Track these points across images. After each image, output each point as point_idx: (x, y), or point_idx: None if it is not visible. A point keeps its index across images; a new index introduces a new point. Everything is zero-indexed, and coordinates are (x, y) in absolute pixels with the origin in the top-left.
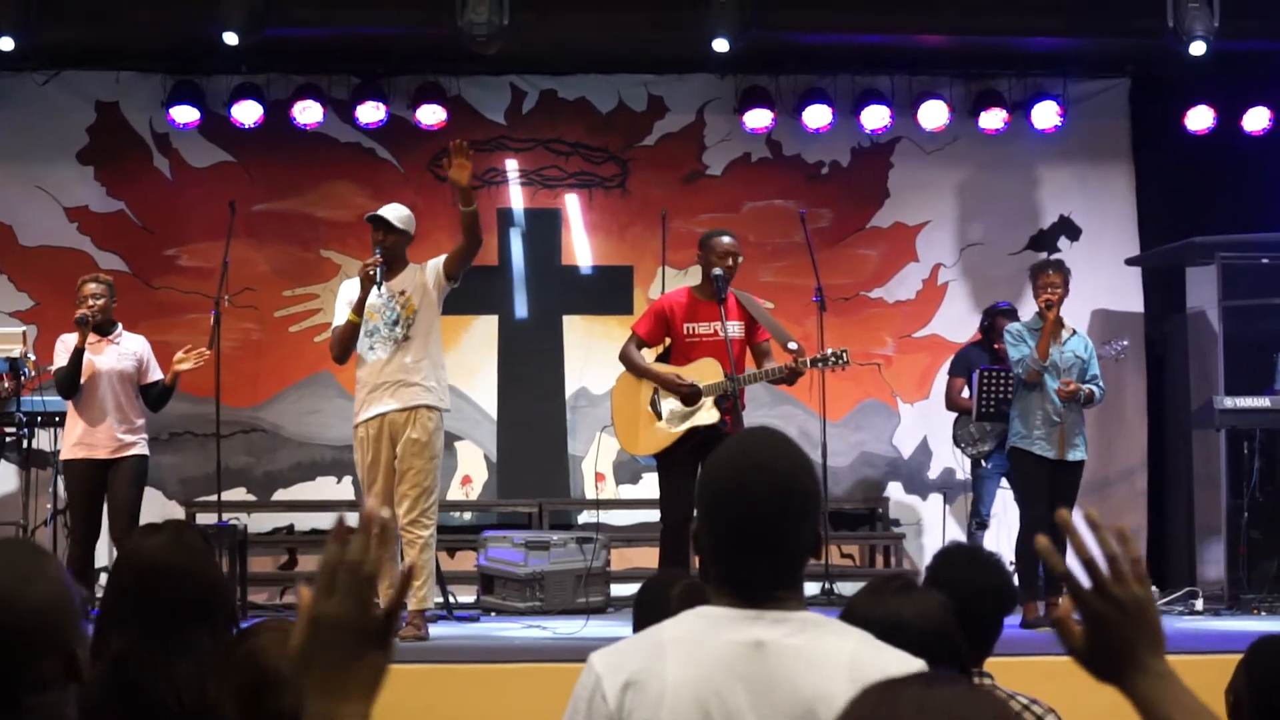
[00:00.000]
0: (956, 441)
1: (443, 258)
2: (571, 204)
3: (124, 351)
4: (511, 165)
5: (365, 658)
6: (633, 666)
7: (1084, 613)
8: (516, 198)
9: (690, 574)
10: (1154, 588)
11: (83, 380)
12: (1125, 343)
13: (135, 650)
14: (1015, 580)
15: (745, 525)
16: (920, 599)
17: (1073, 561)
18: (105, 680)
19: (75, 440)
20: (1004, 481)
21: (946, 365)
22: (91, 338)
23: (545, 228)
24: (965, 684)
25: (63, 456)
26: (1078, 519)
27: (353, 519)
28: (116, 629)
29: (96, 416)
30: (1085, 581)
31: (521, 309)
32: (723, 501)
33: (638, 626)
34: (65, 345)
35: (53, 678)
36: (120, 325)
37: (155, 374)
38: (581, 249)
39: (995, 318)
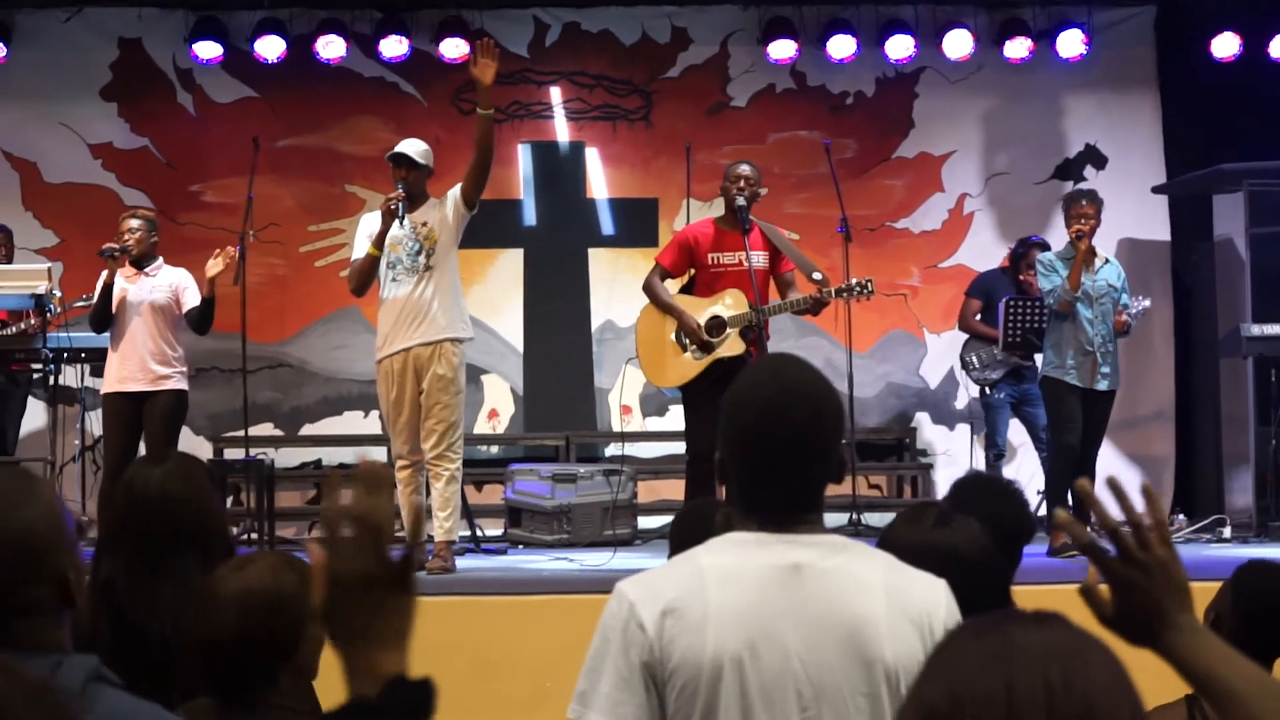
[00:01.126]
0: (964, 365)
1: (458, 187)
2: (596, 136)
3: (158, 284)
4: (548, 94)
5: (391, 605)
6: (670, 594)
7: (1111, 580)
8: (540, 131)
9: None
10: (1182, 515)
11: (115, 312)
12: (1146, 303)
13: (122, 575)
14: (1044, 508)
15: (775, 450)
16: (964, 528)
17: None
18: (92, 603)
19: (110, 375)
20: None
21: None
22: (126, 270)
23: (569, 161)
24: (1076, 628)
25: (101, 390)
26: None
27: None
28: (108, 554)
29: (128, 349)
30: (1110, 549)
31: (546, 242)
32: (752, 427)
33: (676, 551)
34: (101, 280)
35: (44, 602)
36: (160, 259)
37: (193, 300)
38: (606, 182)
39: (1030, 249)
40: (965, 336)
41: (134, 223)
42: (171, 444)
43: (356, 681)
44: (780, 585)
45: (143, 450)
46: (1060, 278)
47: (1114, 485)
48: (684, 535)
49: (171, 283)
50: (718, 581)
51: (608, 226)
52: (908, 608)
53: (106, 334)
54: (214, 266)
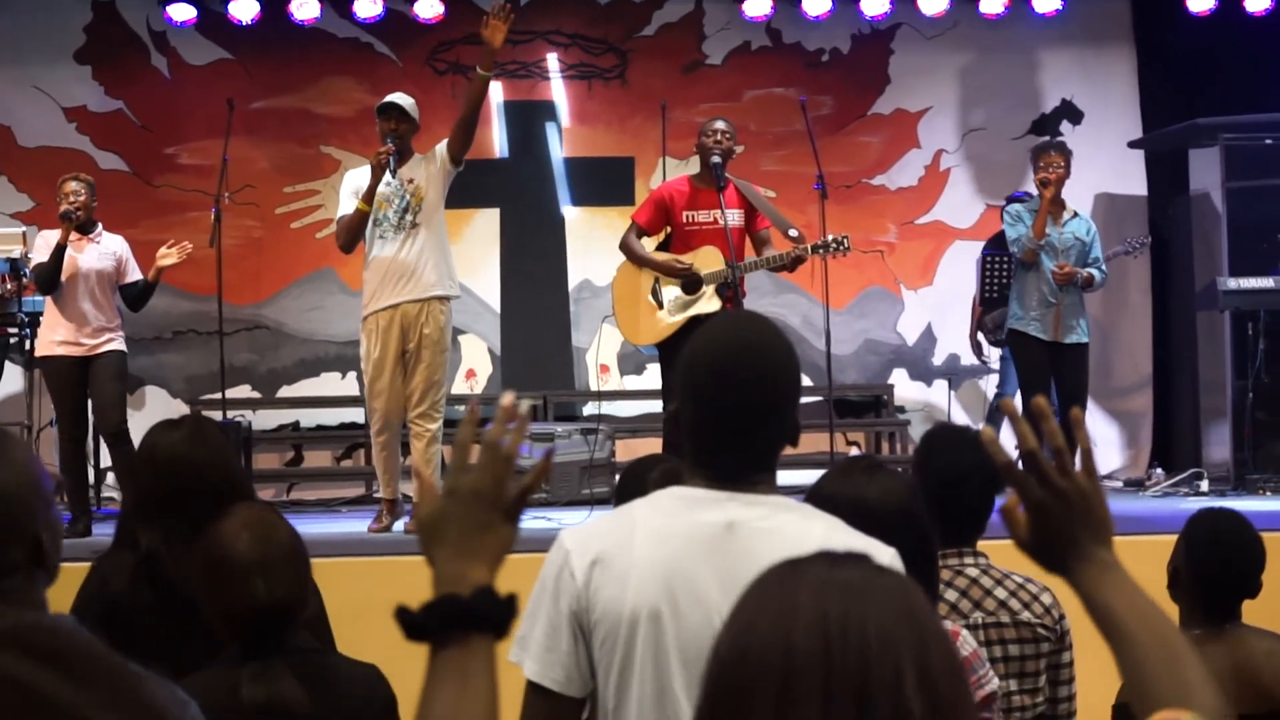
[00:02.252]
0: (981, 329)
1: (444, 142)
2: (571, 95)
3: (104, 251)
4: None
5: (496, 529)
6: (601, 544)
7: (1027, 503)
8: (516, 90)
9: (675, 459)
10: (1159, 470)
11: (63, 278)
12: (1147, 240)
13: (162, 545)
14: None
15: (729, 407)
16: (886, 480)
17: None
18: (139, 576)
19: (53, 338)
20: None
21: (950, 251)
22: (73, 236)
23: (545, 120)
24: (873, 566)
25: (39, 353)
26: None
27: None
28: (144, 525)
29: (75, 314)
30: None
31: (522, 202)
32: (708, 382)
33: (618, 506)
34: (46, 241)
35: (17, 563)
36: (100, 225)
37: (134, 274)
38: (582, 141)
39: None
40: (945, 294)
41: (76, 185)
42: (123, 403)
43: (446, 586)
44: (708, 542)
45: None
46: (1025, 226)
47: (1038, 408)
48: (623, 491)
49: (115, 250)
50: (647, 535)
51: (584, 185)
52: None
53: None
54: (167, 257)
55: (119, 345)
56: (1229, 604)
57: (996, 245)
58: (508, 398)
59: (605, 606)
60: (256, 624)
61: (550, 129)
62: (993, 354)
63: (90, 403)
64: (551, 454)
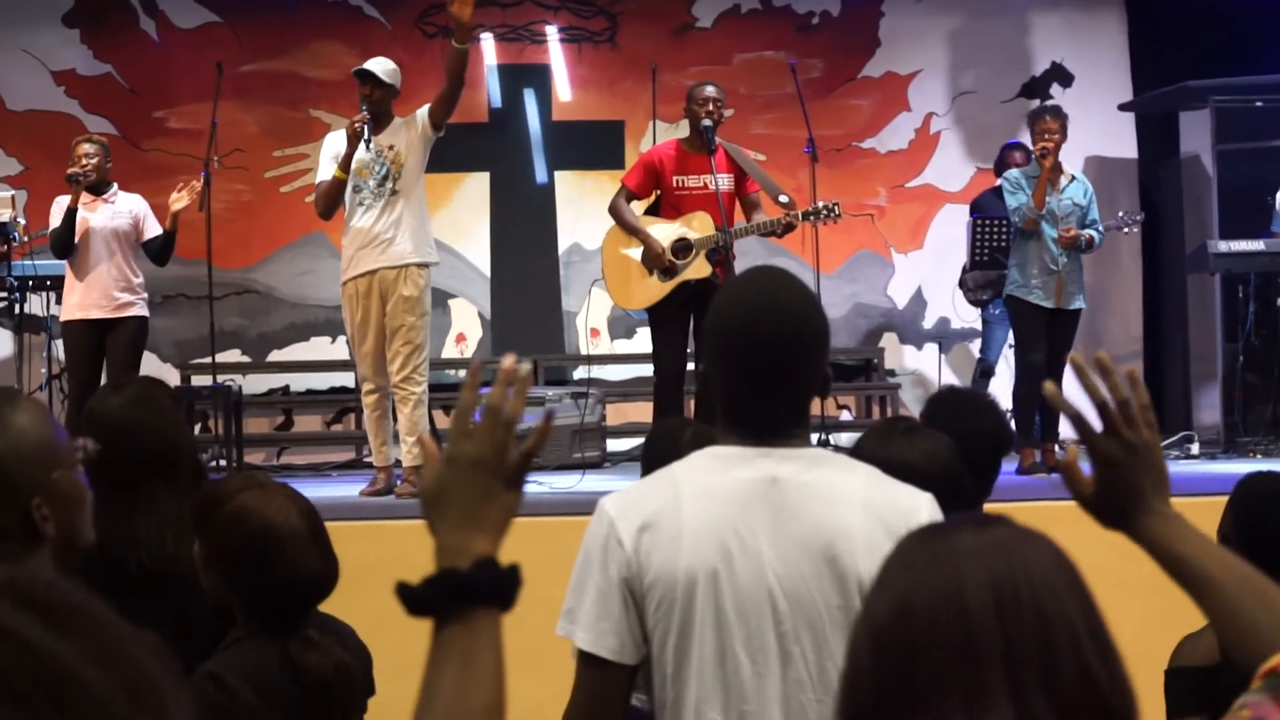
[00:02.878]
0: (960, 285)
1: (426, 108)
2: (561, 58)
3: (119, 210)
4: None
5: (498, 497)
6: (648, 509)
7: (1095, 456)
8: (505, 53)
9: (696, 421)
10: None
11: (76, 240)
12: (1140, 216)
13: (96, 507)
14: (1012, 426)
15: (761, 363)
16: (926, 441)
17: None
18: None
19: (72, 302)
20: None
21: (940, 214)
22: (85, 197)
23: (535, 83)
24: (1017, 525)
25: (61, 318)
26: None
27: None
28: None
29: (91, 277)
30: (1097, 424)
31: (512, 166)
32: (736, 340)
33: (648, 471)
34: (60, 206)
35: (9, 531)
36: (116, 185)
37: (154, 230)
38: (572, 104)
39: (1005, 154)
40: (935, 257)
41: (89, 147)
42: (135, 370)
43: (447, 558)
44: (756, 499)
45: (106, 378)
46: (1025, 195)
47: (1103, 362)
48: (653, 455)
49: (131, 209)
50: (693, 495)
51: (574, 149)
52: (886, 520)
53: (65, 260)
54: (178, 200)
55: (140, 310)
56: None
57: (979, 208)
58: (508, 360)
59: (659, 570)
60: (304, 596)
61: (540, 93)
62: (960, 317)
63: (106, 367)
64: (552, 416)
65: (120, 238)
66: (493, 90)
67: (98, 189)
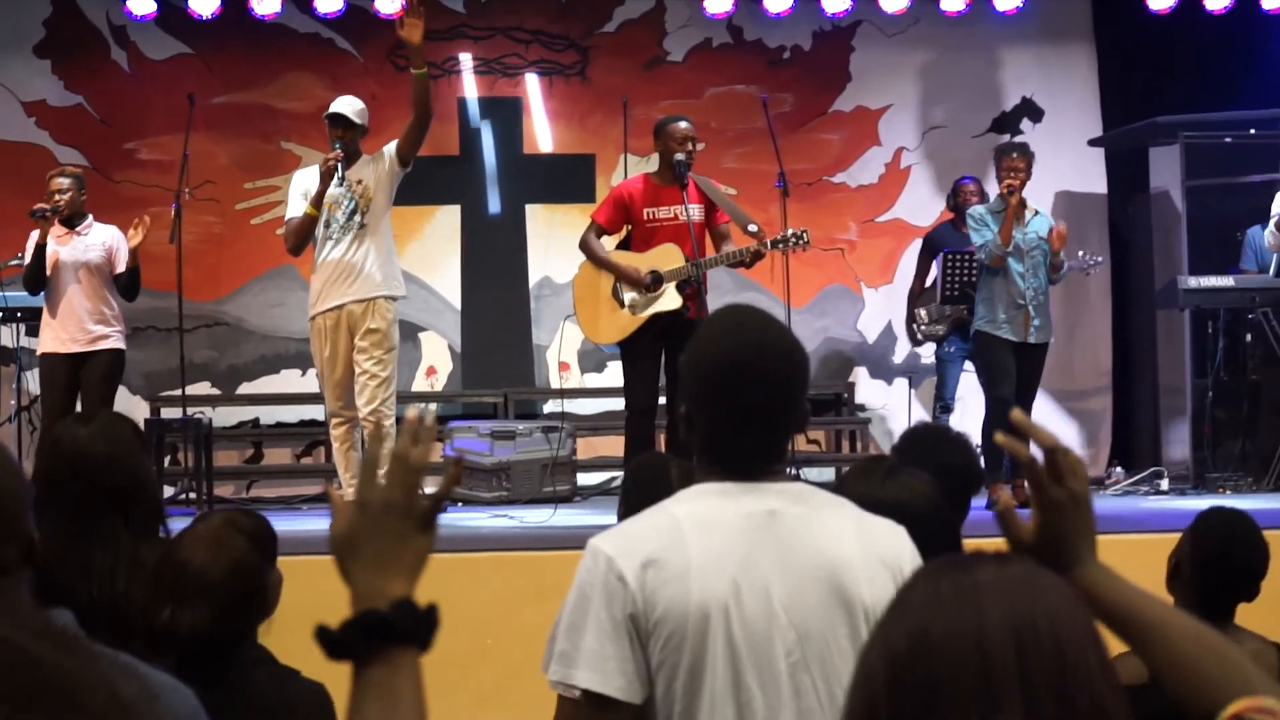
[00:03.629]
0: (911, 320)
1: (394, 144)
2: (532, 92)
3: (90, 243)
4: (466, 59)
5: (411, 539)
6: (650, 546)
7: (1042, 502)
8: (476, 87)
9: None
10: (1119, 468)
11: (49, 274)
12: (1100, 259)
13: (50, 536)
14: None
15: (743, 401)
16: (912, 481)
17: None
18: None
19: (47, 335)
20: (967, 365)
21: (910, 249)
22: (57, 230)
23: (506, 116)
24: (1031, 562)
25: (38, 351)
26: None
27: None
28: (38, 515)
29: (63, 310)
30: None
31: (483, 199)
32: (720, 379)
33: (635, 508)
34: (32, 241)
35: (12, 562)
36: (90, 217)
37: (125, 264)
38: (543, 137)
39: (959, 188)
40: (906, 292)
41: (63, 181)
42: (108, 403)
43: (364, 601)
44: (758, 531)
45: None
46: (991, 232)
47: (1018, 422)
48: (639, 490)
49: (105, 241)
50: (696, 530)
51: (545, 182)
52: (879, 551)
53: (40, 294)
54: (133, 236)
55: (115, 343)
56: (1227, 603)
57: (934, 242)
58: (412, 411)
59: (668, 606)
60: (171, 646)
61: (511, 125)
62: (925, 348)
63: (79, 400)
64: (461, 461)
65: (93, 270)
66: (464, 123)
67: (71, 221)
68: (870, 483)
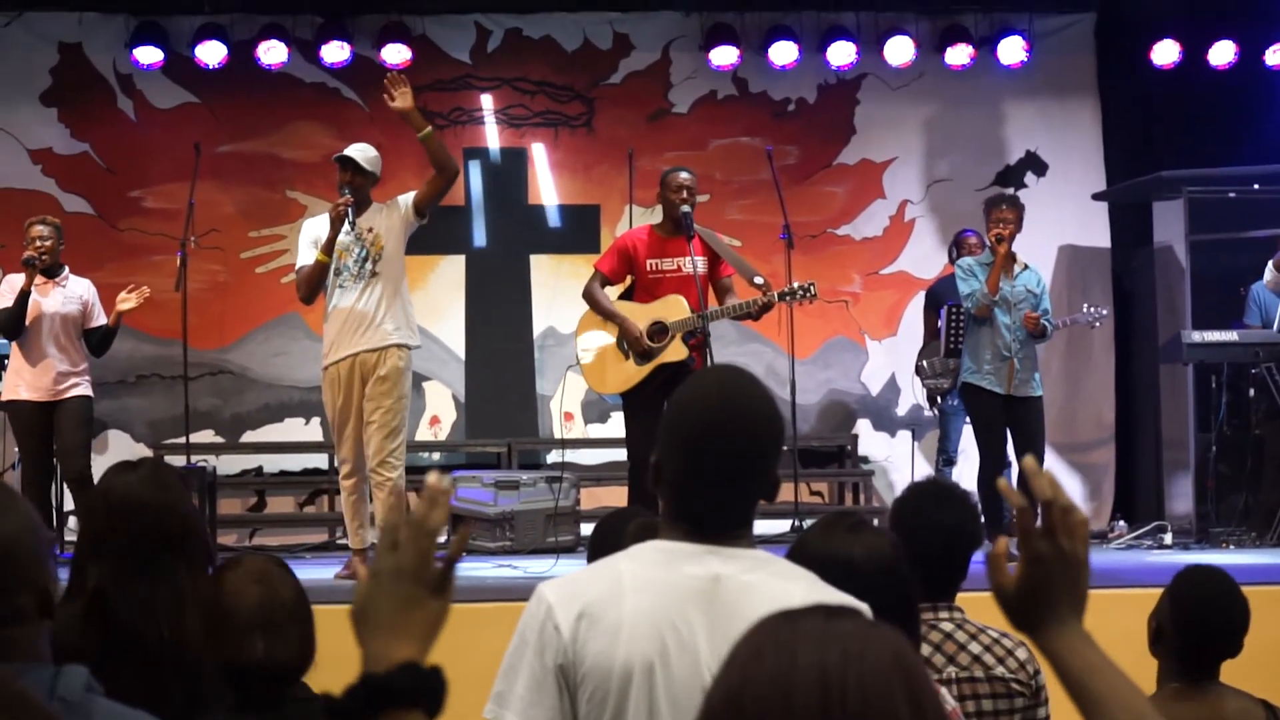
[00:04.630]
0: (917, 372)
1: (412, 194)
2: (537, 143)
3: (69, 295)
4: (487, 101)
5: (424, 604)
6: (587, 597)
7: (1028, 551)
8: (482, 137)
9: (648, 512)
10: (1122, 522)
11: (27, 322)
12: (1104, 311)
13: (114, 582)
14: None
15: (711, 462)
16: (870, 538)
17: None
18: (84, 612)
19: (18, 381)
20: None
21: (914, 301)
22: (38, 280)
23: (511, 167)
24: (865, 619)
25: (4, 397)
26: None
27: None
28: (94, 563)
29: (39, 359)
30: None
31: (488, 248)
32: (691, 436)
33: (592, 560)
34: (11, 286)
35: (27, 612)
36: (67, 268)
37: (100, 318)
38: (548, 188)
39: (960, 240)
40: (909, 345)
41: (43, 229)
42: (87, 448)
43: (370, 666)
44: (696, 595)
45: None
46: (979, 282)
47: (1027, 468)
48: (598, 544)
49: (81, 294)
50: (635, 588)
51: (550, 232)
52: None
53: (11, 340)
54: (126, 301)
55: (85, 390)
56: (1210, 662)
57: (937, 295)
58: (433, 477)
59: (595, 660)
60: (256, 681)
61: (516, 175)
62: (925, 396)
63: (56, 448)
64: (469, 525)
65: (69, 322)
66: (469, 173)
67: (50, 271)
68: (827, 536)
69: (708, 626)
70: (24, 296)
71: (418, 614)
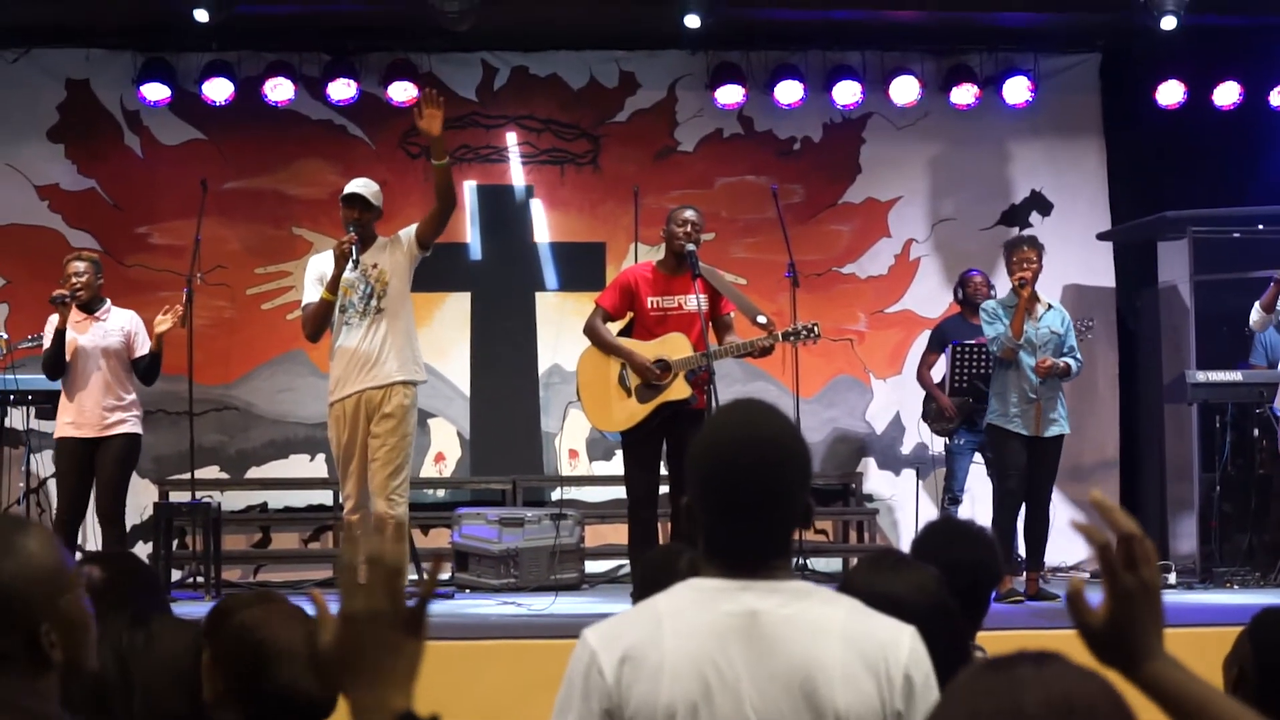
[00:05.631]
0: (925, 417)
1: (414, 227)
2: (543, 180)
3: (110, 328)
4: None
5: (402, 647)
6: (628, 640)
7: (1115, 588)
8: (488, 174)
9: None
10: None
11: (67, 358)
12: (1092, 321)
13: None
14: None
15: (738, 497)
16: (915, 574)
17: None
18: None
19: (65, 420)
20: (976, 457)
21: (919, 340)
22: (76, 315)
23: (517, 204)
24: (1072, 662)
25: (55, 435)
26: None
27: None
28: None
29: (81, 395)
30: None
31: (493, 286)
32: (718, 473)
33: (645, 598)
34: (51, 325)
35: (13, 655)
36: (109, 301)
37: (144, 347)
38: (554, 225)
39: (966, 283)
40: (915, 382)
41: (79, 265)
42: (123, 487)
43: (365, 718)
44: (736, 633)
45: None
46: (1003, 325)
47: (1099, 503)
48: (648, 581)
49: (123, 326)
50: (674, 629)
51: (555, 270)
52: (865, 652)
53: (59, 380)
54: (163, 323)
55: (131, 428)
56: None
57: (943, 333)
58: (379, 505)
59: (639, 703)
60: (298, 714)
61: (522, 214)
62: (937, 442)
63: (95, 484)
64: (440, 561)
65: (111, 356)
66: (475, 210)
67: (89, 306)
68: (872, 575)
69: (749, 664)
70: (59, 335)
71: (398, 658)
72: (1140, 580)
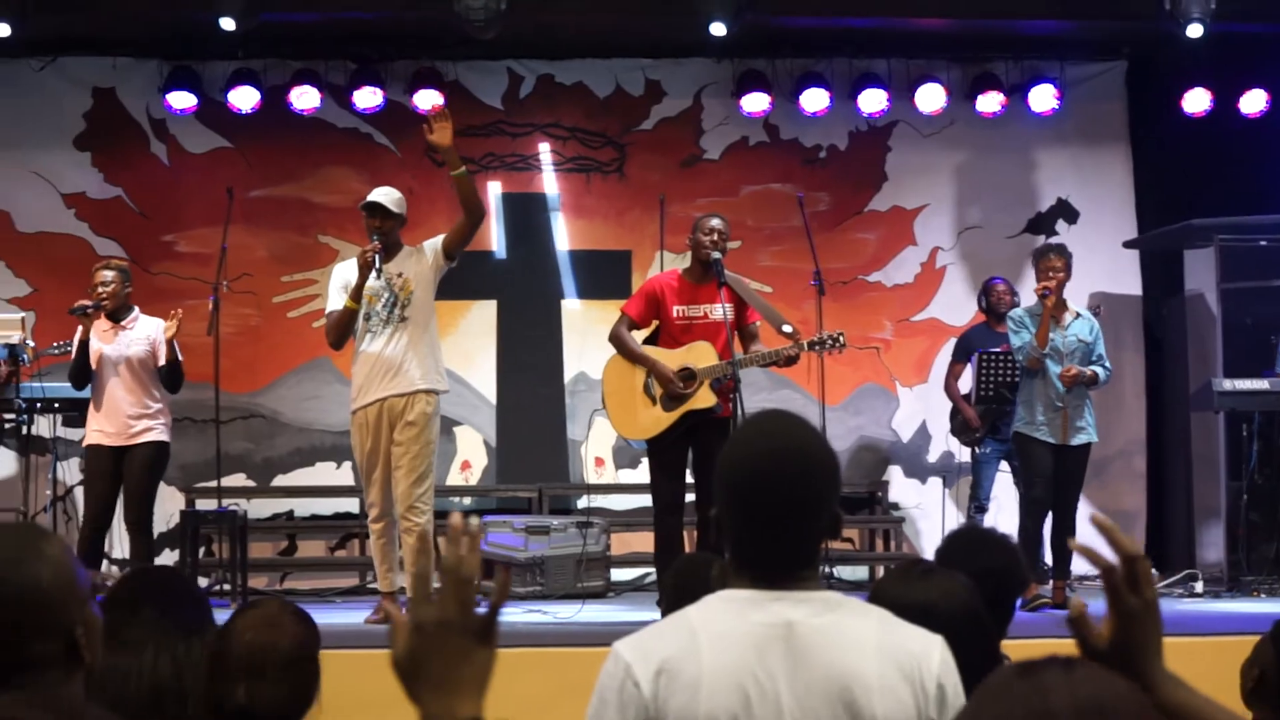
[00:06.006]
0: (953, 430)
1: (441, 238)
2: (569, 188)
3: (135, 337)
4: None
5: (472, 655)
6: (664, 653)
7: (1119, 609)
8: (514, 182)
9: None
10: (1153, 570)
11: (94, 367)
12: (1099, 307)
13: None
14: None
15: (766, 507)
16: (946, 583)
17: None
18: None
19: (93, 428)
20: (1003, 465)
21: (945, 348)
22: (102, 324)
23: (543, 212)
24: (1092, 664)
25: (84, 443)
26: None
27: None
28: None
29: (106, 403)
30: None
31: (519, 294)
32: (746, 483)
33: (674, 607)
34: (78, 336)
35: (51, 659)
36: (137, 309)
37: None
38: (580, 234)
39: (990, 292)
40: (941, 391)
41: (107, 274)
42: (151, 495)
43: None
44: (773, 644)
45: (121, 502)
46: (1030, 334)
47: (1101, 524)
48: (679, 590)
49: (149, 334)
50: (711, 641)
51: (581, 278)
52: (900, 663)
53: (86, 389)
54: (168, 329)
55: (158, 435)
56: None
57: (968, 341)
58: (455, 517)
59: (677, 715)
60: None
61: (548, 222)
62: (963, 450)
63: (123, 491)
64: (509, 569)
65: (136, 365)
66: (500, 218)
67: (116, 315)
68: (903, 584)
69: (788, 674)
70: (82, 346)
71: (469, 666)
72: (1144, 601)
